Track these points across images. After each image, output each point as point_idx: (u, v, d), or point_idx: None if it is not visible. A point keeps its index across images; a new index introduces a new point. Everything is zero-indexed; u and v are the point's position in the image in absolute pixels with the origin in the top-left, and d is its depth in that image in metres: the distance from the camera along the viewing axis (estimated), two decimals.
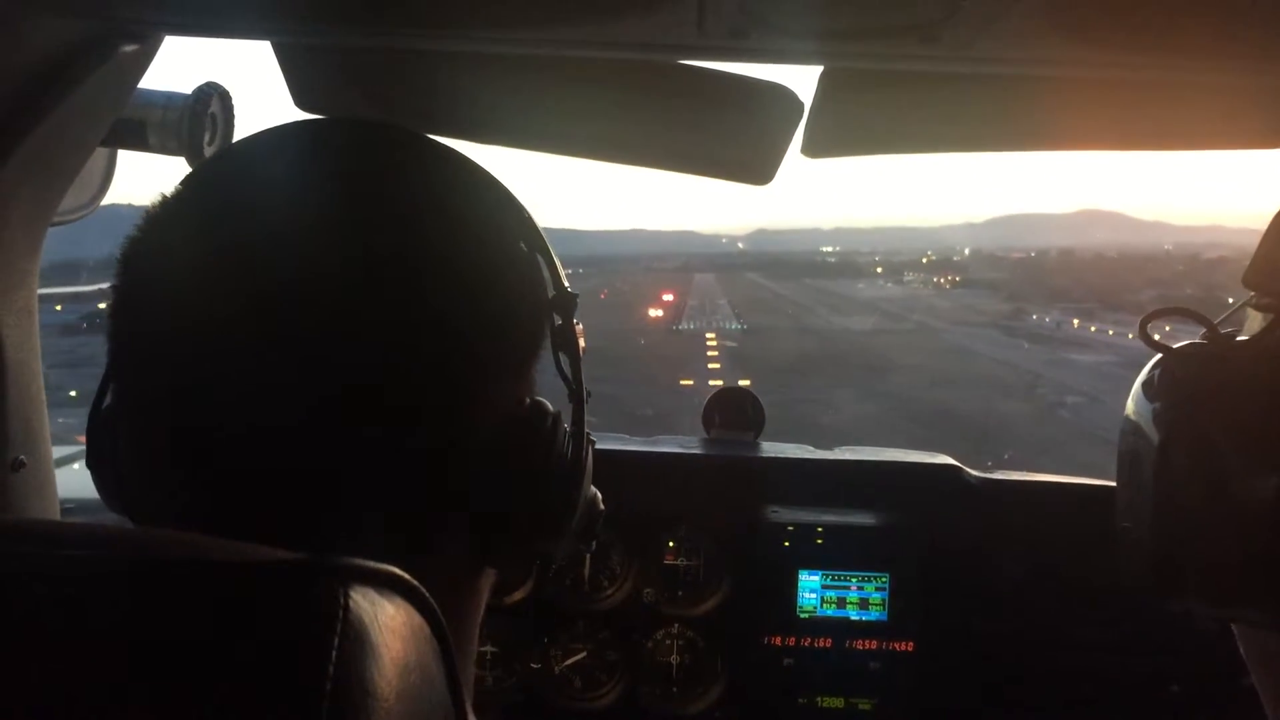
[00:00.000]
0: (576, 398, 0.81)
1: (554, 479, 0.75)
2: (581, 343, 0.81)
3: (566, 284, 0.80)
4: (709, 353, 42.72)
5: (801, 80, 1.15)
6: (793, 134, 1.16)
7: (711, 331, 55.34)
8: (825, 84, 1.10)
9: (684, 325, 61.35)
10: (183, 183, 0.73)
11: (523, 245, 0.78)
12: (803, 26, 0.95)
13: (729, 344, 46.90)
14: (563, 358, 0.80)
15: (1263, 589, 0.80)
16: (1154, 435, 0.84)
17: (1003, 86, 1.11)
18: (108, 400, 0.77)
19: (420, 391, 0.67)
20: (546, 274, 0.79)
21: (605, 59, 1.10)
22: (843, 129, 1.19)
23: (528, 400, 0.75)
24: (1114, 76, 1.06)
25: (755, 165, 1.24)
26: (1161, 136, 1.19)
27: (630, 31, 0.99)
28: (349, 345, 0.65)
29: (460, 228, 0.73)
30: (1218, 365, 0.84)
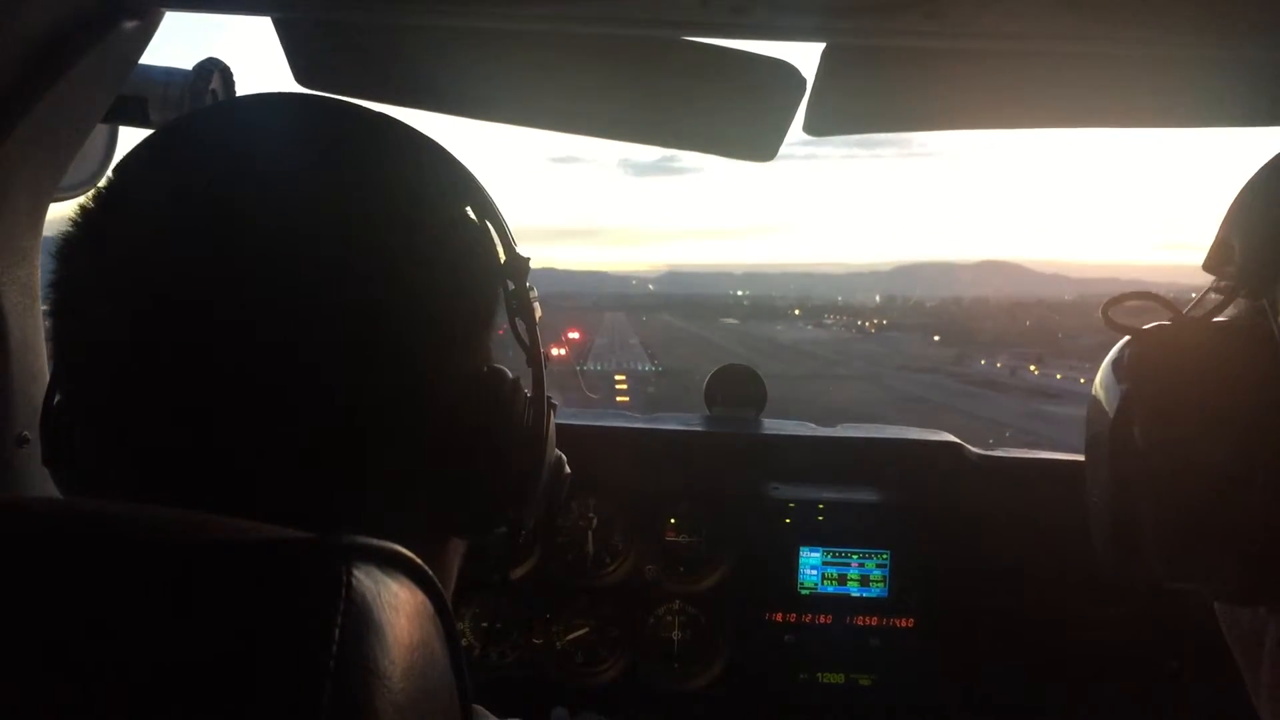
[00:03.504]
0: (535, 362, 0.80)
1: (516, 444, 0.75)
2: (537, 310, 0.80)
3: (517, 248, 0.79)
4: (619, 398, 39.79)
5: (804, 57, 1.15)
6: (795, 111, 1.16)
7: (621, 373, 51.95)
8: (827, 61, 1.10)
9: (589, 365, 57.62)
10: (116, 168, 0.72)
11: (470, 211, 0.76)
12: (805, 2, 0.95)
13: (649, 389, 42.28)
14: (519, 323, 0.79)
15: (1217, 558, 0.83)
16: (1117, 410, 0.87)
17: (1005, 62, 1.11)
18: (58, 398, 0.75)
19: (372, 363, 0.66)
20: (497, 240, 0.78)
21: (608, 34, 1.09)
22: (844, 106, 1.19)
23: (485, 368, 0.75)
24: (1115, 52, 1.05)
25: (757, 142, 1.24)
26: (1161, 112, 1.19)
27: (633, 7, 0.99)
28: (292, 322, 0.64)
29: (401, 194, 0.72)
30: (1180, 341, 0.87)
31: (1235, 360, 0.82)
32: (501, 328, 0.79)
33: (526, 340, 0.80)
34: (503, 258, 0.78)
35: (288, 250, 0.65)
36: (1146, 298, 0.92)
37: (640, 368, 58.71)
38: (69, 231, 0.70)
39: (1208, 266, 0.90)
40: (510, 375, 0.76)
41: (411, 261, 0.69)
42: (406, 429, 0.69)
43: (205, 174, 0.69)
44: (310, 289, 0.64)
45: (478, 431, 0.72)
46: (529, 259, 0.80)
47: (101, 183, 0.71)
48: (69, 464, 0.76)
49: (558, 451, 0.84)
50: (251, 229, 0.65)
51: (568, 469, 0.86)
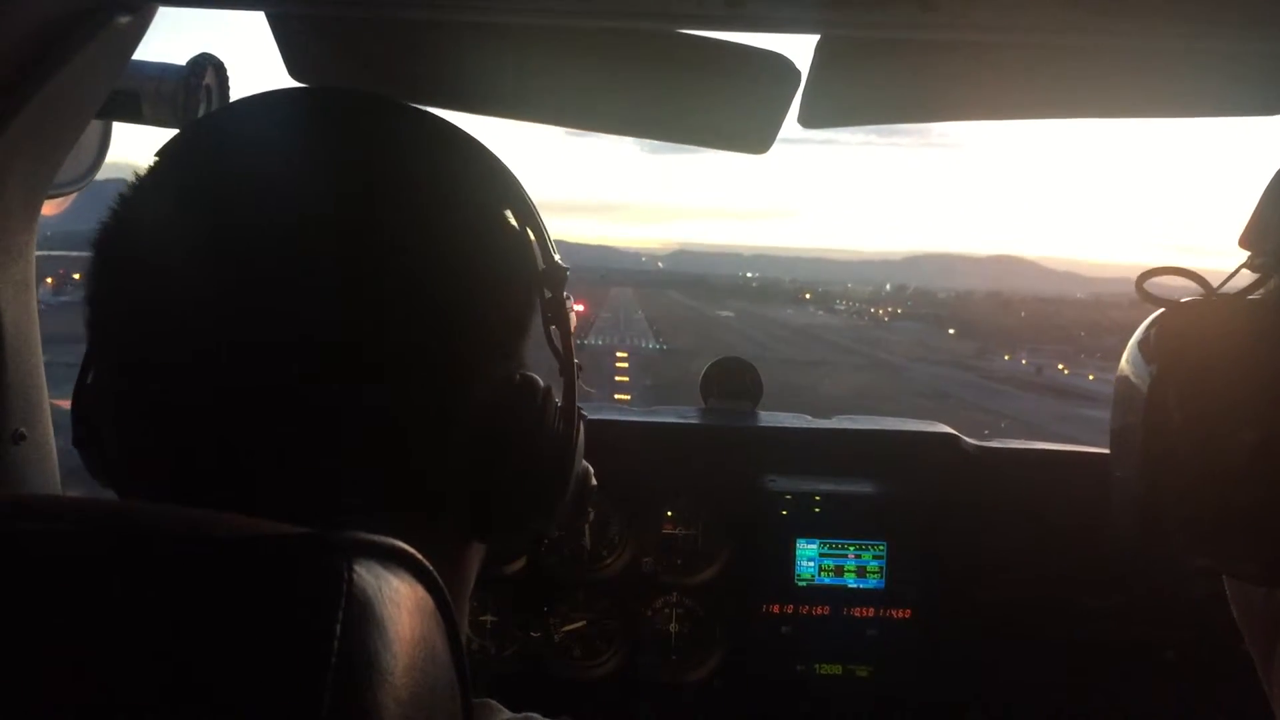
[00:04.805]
0: (567, 372, 0.79)
1: (545, 454, 0.74)
2: (573, 317, 0.80)
3: (557, 256, 0.79)
4: (617, 378, 38.65)
5: (798, 50, 1.15)
6: (789, 103, 1.16)
7: (623, 350, 50.69)
8: (822, 53, 1.09)
9: (590, 340, 56.67)
10: (157, 155, 0.72)
11: (510, 216, 0.76)
12: None
13: (646, 382, 39.51)
14: (554, 331, 0.79)
15: (1243, 538, 0.83)
16: (1149, 385, 0.86)
17: (1000, 54, 1.11)
18: (90, 379, 0.76)
19: (407, 366, 0.66)
20: (536, 247, 0.78)
21: (602, 28, 1.09)
22: (839, 98, 1.19)
23: (518, 375, 0.74)
24: (1111, 43, 1.05)
25: (752, 134, 1.24)
26: (1157, 104, 1.19)
27: (627, 1, 0.99)
28: (328, 321, 0.64)
29: (443, 196, 0.72)
30: (1214, 318, 0.86)
31: (1271, 337, 0.82)
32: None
33: (560, 349, 0.79)
34: (541, 265, 0.78)
35: (318, 247, 0.65)
36: (1179, 273, 0.91)
37: (645, 345, 57.77)
38: (105, 220, 0.70)
39: (1243, 243, 0.89)
40: (542, 383, 0.75)
41: (449, 265, 0.69)
42: (436, 432, 0.69)
43: (239, 165, 0.69)
44: (339, 289, 0.64)
45: (507, 437, 0.72)
46: (568, 268, 0.79)
47: (140, 171, 0.71)
48: (98, 445, 0.76)
49: (585, 462, 0.83)
50: (283, 223, 0.65)
51: (594, 480, 0.85)
